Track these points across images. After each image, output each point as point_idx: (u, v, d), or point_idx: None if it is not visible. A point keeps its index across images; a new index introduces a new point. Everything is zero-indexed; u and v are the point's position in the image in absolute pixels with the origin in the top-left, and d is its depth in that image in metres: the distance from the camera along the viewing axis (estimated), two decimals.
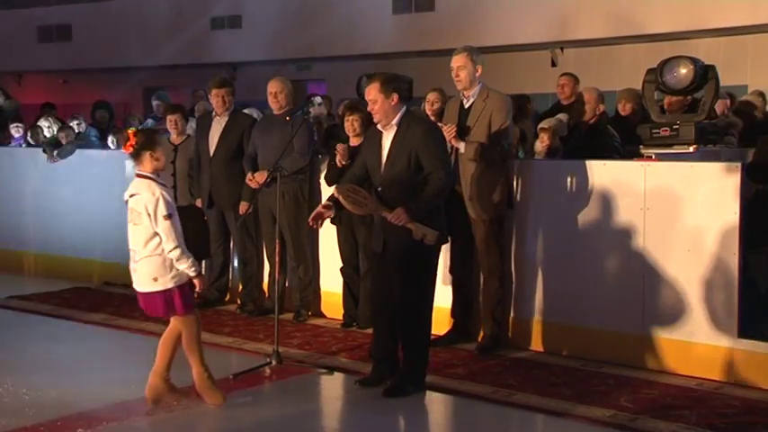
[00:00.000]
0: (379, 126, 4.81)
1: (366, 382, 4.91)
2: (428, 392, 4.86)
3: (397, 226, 4.59)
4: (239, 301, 6.86)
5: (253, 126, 6.61)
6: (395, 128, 4.73)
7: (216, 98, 6.69)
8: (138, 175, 4.42)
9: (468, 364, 5.31)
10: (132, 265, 4.51)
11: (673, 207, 5.12)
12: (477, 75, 5.52)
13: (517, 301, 5.70)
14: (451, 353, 5.57)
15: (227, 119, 6.71)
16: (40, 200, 8.52)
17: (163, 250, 4.35)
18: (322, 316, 6.57)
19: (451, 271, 5.80)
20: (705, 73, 5.31)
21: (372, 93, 4.72)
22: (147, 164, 4.38)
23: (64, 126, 8.86)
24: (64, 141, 8.36)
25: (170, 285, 4.38)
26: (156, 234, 4.35)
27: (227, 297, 7.05)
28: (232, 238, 6.90)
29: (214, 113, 6.79)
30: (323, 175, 6.36)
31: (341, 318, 6.37)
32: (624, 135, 6.00)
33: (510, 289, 5.70)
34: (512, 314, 5.72)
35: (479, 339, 5.69)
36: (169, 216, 4.30)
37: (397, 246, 4.70)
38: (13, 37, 12.63)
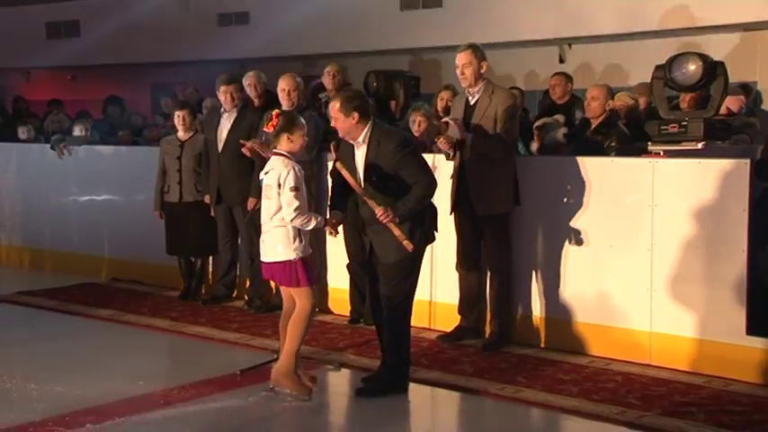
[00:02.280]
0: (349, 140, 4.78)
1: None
2: (435, 389, 4.87)
3: (380, 229, 4.62)
4: (247, 297, 6.87)
5: (260, 123, 6.61)
6: (365, 145, 4.71)
7: (224, 95, 6.70)
8: (275, 153, 4.68)
9: (476, 361, 5.31)
10: (261, 237, 4.75)
11: (681, 204, 5.10)
12: (483, 71, 5.53)
13: (525, 297, 5.69)
14: (458, 349, 5.56)
15: (235, 115, 6.72)
16: (48, 196, 8.54)
17: (287, 222, 4.55)
18: (329, 312, 6.58)
19: (458, 267, 5.80)
20: (714, 69, 5.28)
21: (333, 111, 4.74)
22: (284, 144, 4.64)
23: (79, 119, 8.87)
24: (78, 133, 8.36)
25: (293, 257, 4.57)
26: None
27: (235, 293, 7.07)
28: (240, 234, 6.91)
29: (223, 110, 6.80)
30: (329, 172, 6.36)
31: (348, 314, 6.37)
32: (638, 131, 5.97)
33: (517, 285, 5.70)
34: (519, 311, 5.71)
35: (486, 336, 5.68)
36: (296, 188, 4.53)
37: (380, 247, 4.73)
38: (21, 33, 12.65)
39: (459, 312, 5.83)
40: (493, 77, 5.54)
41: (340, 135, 4.82)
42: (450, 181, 5.65)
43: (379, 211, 4.57)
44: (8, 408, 4.41)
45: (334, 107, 4.73)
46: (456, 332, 5.79)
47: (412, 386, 4.91)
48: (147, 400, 4.62)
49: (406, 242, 4.59)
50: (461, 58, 5.52)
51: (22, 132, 8.91)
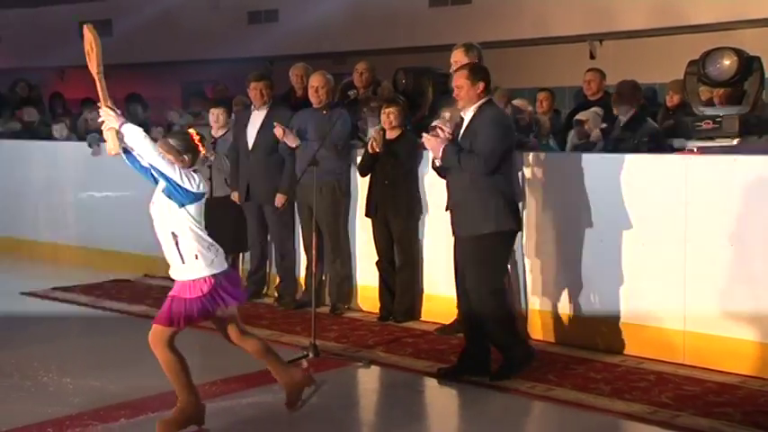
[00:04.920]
0: (461, 111, 4.96)
1: (447, 373, 4.94)
2: (464, 386, 4.85)
3: (467, 212, 4.76)
4: (277, 294, 6.90)
5: (291, 119, 6.63)
6: (471, 113, 4.85)
7: (254, 91, 6.74)
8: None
9: None
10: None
11: (715, 201, 5.04)
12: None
13: (555, 295, 5.66)
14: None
15: (265, 112, 6.75)
16: (80, 193, 8.63)
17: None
18: (358, 309, 6.59)
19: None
20: (749, 64, 5.20)
21: (459, 79, 4.85)
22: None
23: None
24: None
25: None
26: None
27: (265, 290, 7.10)
28: (269, 231, 6.94)
29: (253, 107, 6.84)
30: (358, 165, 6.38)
31: (377, 311, 6.38)
32: (671, 127, 5.92)
33: (547, 283, 5.66)
34: (550, 309, 5.68)
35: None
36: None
37: (466, 233, 4.80)
38: (55, 33, 12.81)
39: (458, 306, 5.82)
40: (522, 74, 5.51)
41: (459, 105, 4.91)
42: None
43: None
44: (45, 402, 4.47)
45: (462, 75, 4.83)
46: (454, 325, 5.75)
47: (440, 384, 4.91)
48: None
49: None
50: (454, 56, 5.65)
51: (57, 130, 9.02)
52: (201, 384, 4.84)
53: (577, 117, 6.65)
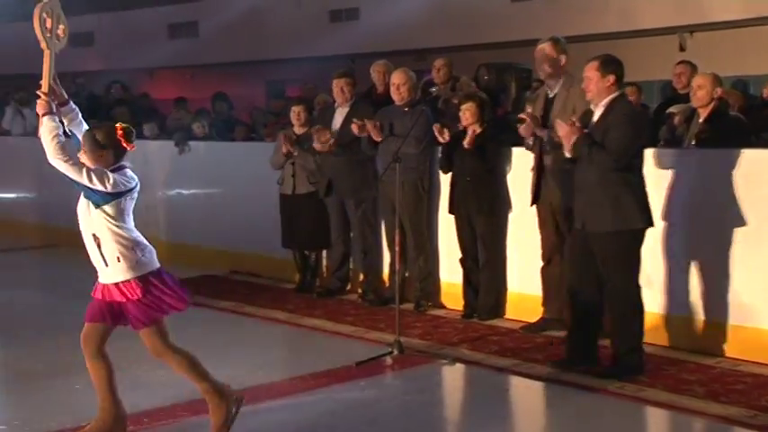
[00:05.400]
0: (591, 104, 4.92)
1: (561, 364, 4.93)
2: (550, 385, 4.78)
3: (599, 208, 4.68)
4: (360, 291, 6.94)
5: (373, 116, 6.65)
6: (602, 109, 4.78)
7: (336, 88, 6.79)
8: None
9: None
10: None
11: None
12: (562, 65, 5.47)
13: (646, 294, 5.50)
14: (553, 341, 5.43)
15: (348, 109, 6.79)
16: (168, 191, 8.86)
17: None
18: (442, 306, 6.57)
19: (545, 261, 5.76)
20: None
21: (590, 71, 4.78)
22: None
23: (198, 116, 9.18)
24: (198, 131, 8.66)
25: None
26: None
27: (349, 286, 7.15)
28: (352, 227, 6.98)
29: (336, 104, 6.89)
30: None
31: (461, 309, 6.34)
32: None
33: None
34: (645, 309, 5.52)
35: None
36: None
37: (598, 229, 4.74)
38: (144, 35, 13.20)
39: (543, 304, 5.79)
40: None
41: (588, 98, 4.88)
42: (531, 173, 5.64)
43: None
44: (140, 393, 4.59)
45: (593, 66, 4.78)
46: (540, 323, 5.74)
47: (527, 382, 4.86)
48: (267, 390, 4.73)
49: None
50: (540, 51, 5.50)
51: (147, 130, 9.27)
52: (290, 379, 4.93)
53: (670, 110, 6.45)
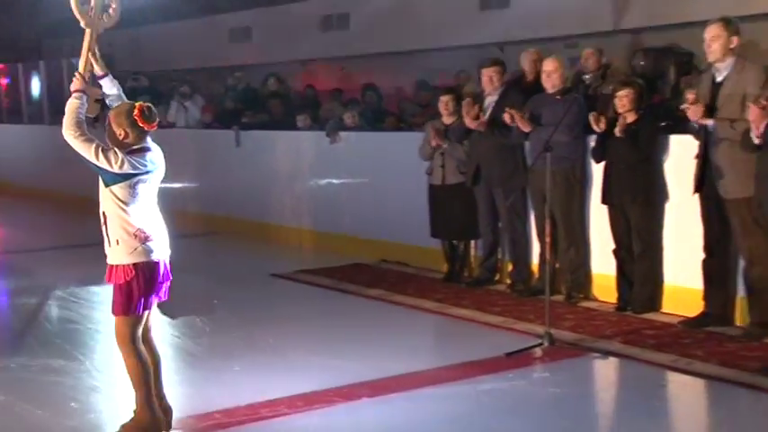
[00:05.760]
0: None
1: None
2: (713, 382, 4.56)
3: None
4: (509, 281, 6.87)
5: (523, 105, 6.56)
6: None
7: (485, 77, 6.75)
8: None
9: (765, 357, 4.88)
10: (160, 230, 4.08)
11: None
12: (732, 47, 5.12)
13: None
14: (740, 343, 5.15)
15: (496, 97, 6.73)
16: (320, 180, 9.09)
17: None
18: (594, 299, 6.40)
19: (707, 253, 5.48)
20: None
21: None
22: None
23: (349, 107, 9.37)
24: (348, 121, 8.84)
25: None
26: None
27: (497, 277, 7.10)
28: (500, 217, 6.92)
29: (486, 93, 6.84)
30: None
31: (614, 301, 6.16)
32: None
33: None
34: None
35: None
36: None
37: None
38: (299, 28, 13.56)
39: (704, 298, 5.52)
40: (760, 53, 5.08)
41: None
42: (695, 161, 5.37)
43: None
44: (295, 377, 4.75)
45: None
46: (700, 318, 5.47)
47: (686, 379, 4.66)
48: (416, 378, 4.77)
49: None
50: (710, 31, 5.19)
51: (300, 121, 9.56)
52: (438, 368, 4.96)
53: None
